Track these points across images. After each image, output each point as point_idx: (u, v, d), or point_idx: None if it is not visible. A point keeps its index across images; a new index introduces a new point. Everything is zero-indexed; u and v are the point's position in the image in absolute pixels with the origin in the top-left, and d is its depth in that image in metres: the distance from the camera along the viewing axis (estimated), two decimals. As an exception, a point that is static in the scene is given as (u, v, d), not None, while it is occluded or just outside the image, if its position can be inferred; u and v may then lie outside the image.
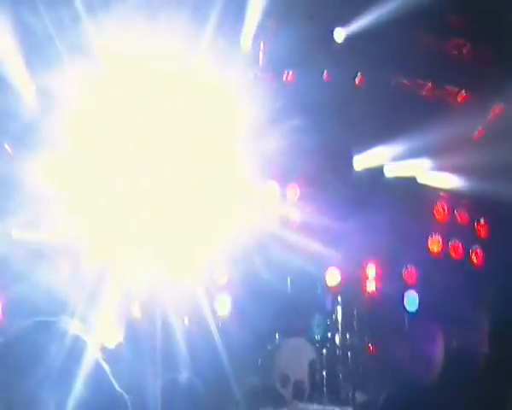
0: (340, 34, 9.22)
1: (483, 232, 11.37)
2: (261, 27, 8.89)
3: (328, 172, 10.35)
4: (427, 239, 11.20)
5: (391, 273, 11.07)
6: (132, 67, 8.38)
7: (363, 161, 10.71)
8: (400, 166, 10.72)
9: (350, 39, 9.14)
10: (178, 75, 8.66)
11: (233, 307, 10.38)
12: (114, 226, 9.11)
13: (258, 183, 10.27)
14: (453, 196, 11.19)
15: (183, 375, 6.18)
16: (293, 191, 10.61)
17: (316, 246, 9.96)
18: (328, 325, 10.78)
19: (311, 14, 8.76)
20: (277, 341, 10.27)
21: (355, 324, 10.86)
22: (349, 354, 10.69)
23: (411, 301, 11.00)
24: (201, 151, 9.39)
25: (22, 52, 8.03)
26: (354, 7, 8.81)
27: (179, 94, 8.79)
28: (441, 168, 10.75)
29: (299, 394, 9.23)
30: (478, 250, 11.30)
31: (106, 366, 2.49)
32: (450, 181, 10.87)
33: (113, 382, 2.50)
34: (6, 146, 9.32)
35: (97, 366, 2.47)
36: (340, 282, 10.80)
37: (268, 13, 8.64)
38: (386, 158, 10.68)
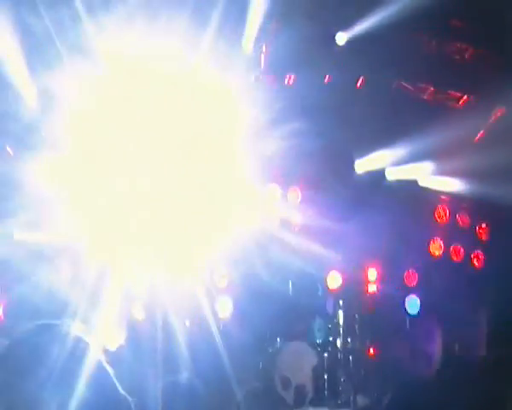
0: (341, 37, 9.22)
1: (484, 236, 11.37)
2: (263, 30, 8.89)
3: (329, 174, 10.35)
4: (428, 242, 11.21)
5: (392, 276, 11.07)
6: (133, 67, 8.38)
7: (364, 163, 10.70)
8: (401, 169, 10.71)
9: (351, 42, 9.14)
10: (179, 77, 8.66)
11: (234, 310, 10.38)
12: (115, 228, 9.11)
13: (260, 185, 10.27)
14: (454, 200, 11.19)
15: (184, 377, 6.18)
16: (295, 194, 10.61)
17: (317, 249, 9.95)
18: (330, 329, 10.76)
19: (312, 17, 8.77)
20: (278, 344, 10.26)
21: (356, 327, 10.84)
22: (350, 357, 10.67)
23: (413, 304, 11.00)
24: (203, 153, 9.39)
25: (23, 53, 8.03)
26: (356, 10, 8.82)
27: (180, 96, 8.79)
28: (442, 172, 10.74)
29: (301, 399, 9.24)
30: (479, 253, 11.30)
31: (109, 369, 2.49)
32: (451, 184, 10.87)
33: (117, 384, 2.50)
34: (7, 147, 9.32)
35: (100, 367, 2.47)
36: (342, 285, 10.80)
37: (270, 15, 8.64)
38: (387, 161, 10.68)
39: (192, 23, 8.07)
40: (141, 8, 7.75)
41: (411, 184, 10.87)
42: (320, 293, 10.89)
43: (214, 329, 8.91)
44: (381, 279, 11.03)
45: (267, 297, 9.93)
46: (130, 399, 2.55)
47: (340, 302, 10.83)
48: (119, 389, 2.51)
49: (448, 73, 9.91)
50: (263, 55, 9.40)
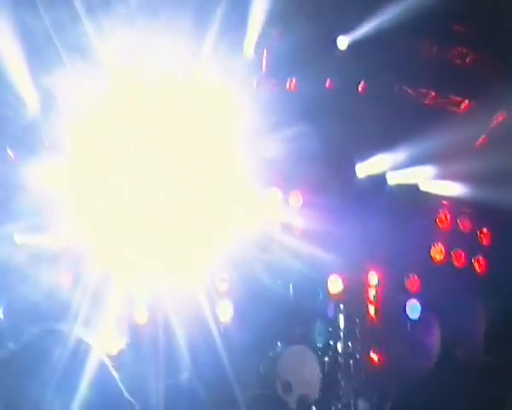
0: (343, 42, 9.23)
1: (485, 240, 11.35)
2: (264, 34, 8.90)
3: (330, 179, 10.35)
4: (429, 247, 11.20)
5: (393, 281, 11.06)
6: (134, 71, 8.40)
7: (365, 168, 10.70)
8: (403, 173, 10.71)
9: (353, 47, 9.15)
10: (181, 81, 8.67)
11: (235, 314, 10.37)
12: (117, 231, 9.11)
13: (261, 189, 10.28)
14: (456, 204, 11.18)
15: (185, 380, 6.18)
16: (296, 198, 10.62)
17: (318, 253, 9.96)
18: (330, 333, 10.75)
19: (313, 22, 8.78)
20: (279, 348, 10.26)
21: (357, 331, 10.83)
22: (351, 361, 10.66)
23: (414, 309, 10.99)
24: (204, 157, 9.40)
25: (24, 56, 8.05)
26: (357, 15, 8.83)
27: (182, 100, 8.80)
28: (444, 176, 10.74)
29: (303, 406, 9.26)
30: (480, 258, 11.29)
31: (114, 373, 2.51)
32: (452, 189, 10.86)
33: (122, 388, 2.51)
34: (8, 150, 9.33)
35: (105, 371, 2.49)
36: (343, 289, 10.80)
37: (271, 20, 8.66)
38: (388, 165, 10.68)
39: (194, 27, 8.09)
40: (142, 10, 7.78)
41: (412, 189, 10.86)
42: (321, 297, 10.88)
43: (215, 332, 8.92)
44: (382, 284, 11.02)
45: (268, 301, 9.93)
46: (134, 403, 2.56)
47: (341, 306, 10.82)
48: (124, 393, 2.52)
49: (449, 78, 9.91)
50: (264, 60, 9.41)
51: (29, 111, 8.77)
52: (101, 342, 2.73)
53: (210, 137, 9.28)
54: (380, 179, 10.75)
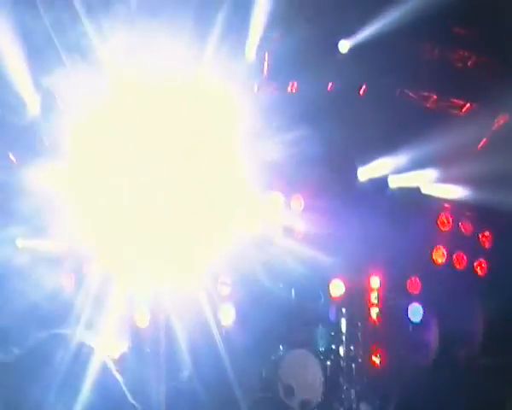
0: (344, 45, 9.24)
1: (487, 243, 11.35)
2: (265, 38, 8.91)
3: (332, 182, 10.35)
4: (431, 250, 11.19)
5: (395, 284, 11.05)
6: (136, 75, 8.40)
7: (367, 171, 10.70)
8: (404, 176, 10.70)
9: (354, 50, 9.16)
10: (183, 84, 8.67)
11: (237, 317, 10.36)
12: (119, 235, 9.10)
13: (263, 193, 10.27)
14: (457, 207, 11.18)
15: (187, 383, 6.18)
16: (298, 202, 10.61)
17: (320, 257, 9.94)
18: (332, 337, 10.74)
19: (315, 25, 8.78)
20: (281, 352, 10.25)
21: (359, 335, 10.82)
22: (353, 365, 10.65)
23: (415, 312, 10.98)
24: (206, 162, 9.40)
25: (24, 57, 8.05)
26: (359, 18, 8.84)
27: (183, 103, 8.80)
28: (445, 179, 10.73)
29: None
30: (482, 261, 11.28)
31: (119, 377, 2.51)
32: (454, 192, 10.86)
33: (126, 392, 2.51)
34: (10, 155, 9.34)
35: (109, 374, 2.49)
36: (345, 293, 10.78)
37: (272, 23, 8.67)
38: (390, 168, 10.67)
39: (195, 30, 8.10)
40: (143, 12, 7.78)
41: (414, 192, 10.86)
42: (322, 300, 10.86)
43: (217, 336, 8.90)
44: (383, 287, 11.01)
45: (269, 305, 9.92)
46: (136, 406, 2.56)
47: (343, 310, 10.81)
48: (128, 395, 2.52)
49: (451, 81, 9.92)
50: (266, 63, 9.41)
51: (29, 112, 8.77)
52: (104, 345, 2.73)
53: (211, 140, 9.28)
54: (381, 182, 10.75)
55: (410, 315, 10.97)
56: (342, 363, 10.59)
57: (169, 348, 8.88)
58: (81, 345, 2.49)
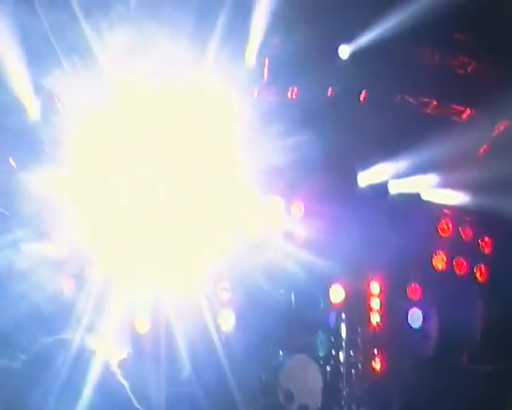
0: (344, 51, 9.25)
1: (487, 249, 11.34)
2: (266, 43, 8.92)
3: (332, 187, 10.34)
4: (431, 256, 11.18)
5: (395, 290, 11.05)
6: (135, 78, 8.41)
7: (367, 176, 10.70)
8: (404, 182, 10.70)
9: (354, 56, 9.17)
10: (183, 90, 8.68)
11: (236, 323, 10.35)
12: (120, 239, 9.11)
13: (263, 198, 10.27)
14: (457, 213, 11.17)
15: (187, 388, 6.17)
16: (298, 207, 10.60)
17: (320, 262, 9.94)
18: (332, 342, 10.73)
19: (315, 31, 8.79)
20: (281, 357, 10.25)
21: (359, 341, 10.81)
22: (353, 371, 10.64)
23: (416, 317, 10.97)
24: (207, 167, 9.41)
25: (24, 60, 8.06)
26: (359, 24, 8.85)
27: (184, 109, 8.81)
28: (446, 185, 10.74)
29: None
30: (482, 267, 11.28)
31: (123, 381, 2.51)
32: (454, 198, 10.86)
33: (131, 396, 2.52)
34: (10, 160, 9.34)
35: (111, 380, 2.49)
36: (345, 298, 10.78)
37: (272, 29, 8.68)
38: (390, 174, 10.67)
39: (195, 36, 8.11)
40: (144, 19, 7.79)
41: (414, 198, 10.85)
42: (322, 306, 10.86)
43: (217, 341, 8.89)
44: (384, 293, 11.01)
45: (270, 310, 9.92)
46: (140, 410, 2.57)
47: (343, 316, 10.81)
48: (134, 402, 2.52)
49: (451, 87, 9.93)
50: (266, 68, 9.42)
51: (29, 115, 8.78)
52: (106, 350, 2.73)
53: (211, 145, 9.29)
54: (381, 188, 10.75)
55: (410, 321, 10.97)
56: (342, 369, 10.59)
57: (169, 354, 8.87)
58: (84, 349, 2.49)
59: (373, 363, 10.79)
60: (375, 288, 11.03)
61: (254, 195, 9.97)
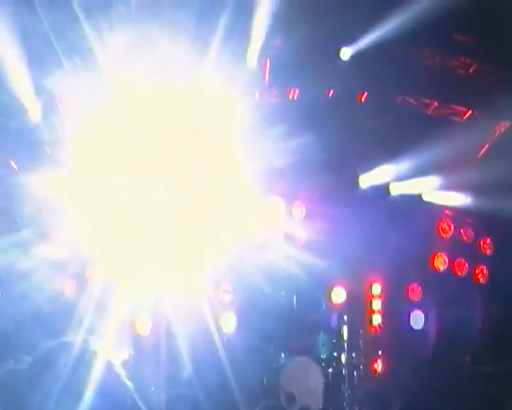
0: (345, 52, 9.26)
1: (487, 250, 11.35)
2: (266, 45, 8.92)
3: (333, 188, 10.34)
4: (431, 256, 11.19)
5: (396, 291, 11.05)
6: (136, 79, 8.41)
7: (368, 178, 10.70)
8: (405, 183, 10.70)
9: (355, 57, 9.18)
10: (184, 91, 8.68)
11: (238, 325, 10.35)
12: (121, 241, 9.10)
13: (264, 200, 10.27)
14: (458, 214, 11.18)
15: (188, 390, 6.16)
16: (299, 209, 10.60)
17: (321, 263, 9.93)
18: (334, 344, 10.73)
19: (316, 32, 8.79)
20: (283, 359, 10.23)
21: (361, 342, 10.81)
22: (355, 372, 10.64)
23: (417, 319, 10.98)
24: (207, 169, 9.40)
25: (25, 61, 8.06)
26: (359, 25, 8.86)
27: (185, 110, 8.81)
28: (446, 186, 10.74)
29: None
30: (482, 268, 11.28)
31: (128, 382, 2.50)
32: (454, 199, 10.86)
33: (136, 397, 2.51)
34: (12, 162, 9.34)
35: (118, 380, 2.48)
36: (346, 300, 10.78)
37: (273, 30, 8.68)
38: (391, 175, 10.67)
39: (196, 37, 8.11)
40: (145, 20, 7.79)
41: (415, 199, 10.86)
42: (324, 308, 10.85)
43: (218, 343, 8.88)
44: (384, 294, 11.01)
45: (271, 312, 9.91)
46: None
47: (345, 317, 10.81)
48: (140, 404, 2.52)
49: (451, 88, 9.93)
50: (266, 70, 9.42)
51: (30, 117, 8.78)
52: (108, 351, 2.73)
53: (212, 147, 9.28)
54: (382, 189, 10.75)
55: (411, 322, 10.97)
56: (344, 370, 10.59)
57: (170, 356, 8.86)
58: (86, 351, 2.49)
59: (374, 364, 10.79)
60: (375, 289, 11.03)
61: (255, 196, 9.97)
